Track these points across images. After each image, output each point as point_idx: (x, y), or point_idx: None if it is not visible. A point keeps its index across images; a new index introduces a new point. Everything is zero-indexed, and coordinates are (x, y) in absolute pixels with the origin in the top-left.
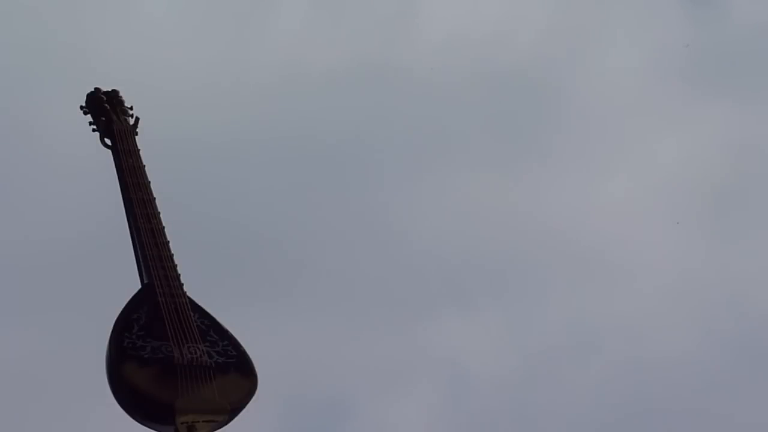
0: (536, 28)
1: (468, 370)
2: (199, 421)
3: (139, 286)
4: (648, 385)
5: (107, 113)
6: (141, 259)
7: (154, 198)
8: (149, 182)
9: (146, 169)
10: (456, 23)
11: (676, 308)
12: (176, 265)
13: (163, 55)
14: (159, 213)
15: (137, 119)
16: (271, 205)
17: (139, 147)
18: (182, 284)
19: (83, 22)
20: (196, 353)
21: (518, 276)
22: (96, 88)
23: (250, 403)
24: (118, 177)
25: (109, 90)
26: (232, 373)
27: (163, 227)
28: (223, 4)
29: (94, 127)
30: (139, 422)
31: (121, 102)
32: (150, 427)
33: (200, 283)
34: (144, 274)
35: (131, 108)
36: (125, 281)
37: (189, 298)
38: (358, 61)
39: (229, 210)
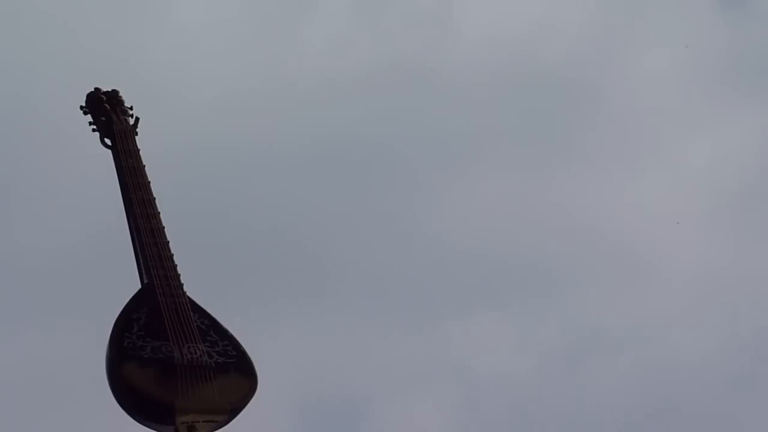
0: (572, 30)
1: (486, 370)
2: (199, 421)
3: (139, 286)
4: (669, 386)
5: (107, 113)
6: (141, 259)
7: (154, 198)
8: (149, 182)
9: (149, 169)
10: (492, 26)
11: (702, 309)
12: (176, 265)
13: (199, 59)
14: (159, 213)
15: (137, 119)
16: (301, 207)
17: (139, 147)
18: (182, 284)
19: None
20: (196, 353)
21: (543, 277)
22: (96, 88)
23: (251, 403)
24: (118, 177)
25: (109, 90)
26: (232, 373)
27: (163, 227)
28: (260, 12)
29: (94, 127)
30: (139, 422)
31: (120, 102)
32: (150, 427)
33: (218, 284)
34: (144, 274)
35: (131, 108)
36: (125, 281)
37: (189, 298)
38: (394, 65)
39: (256, 213)
